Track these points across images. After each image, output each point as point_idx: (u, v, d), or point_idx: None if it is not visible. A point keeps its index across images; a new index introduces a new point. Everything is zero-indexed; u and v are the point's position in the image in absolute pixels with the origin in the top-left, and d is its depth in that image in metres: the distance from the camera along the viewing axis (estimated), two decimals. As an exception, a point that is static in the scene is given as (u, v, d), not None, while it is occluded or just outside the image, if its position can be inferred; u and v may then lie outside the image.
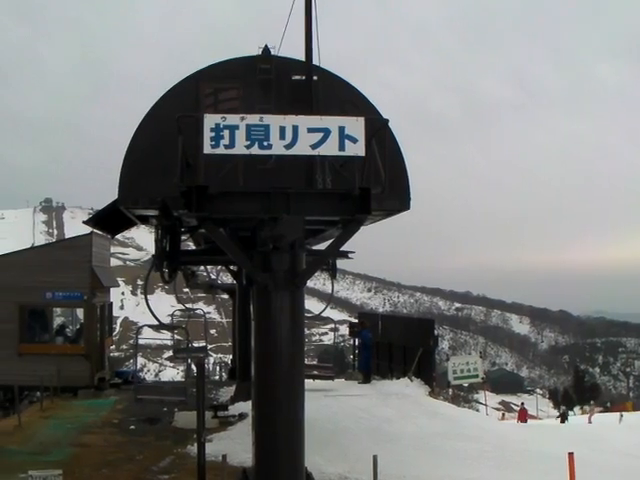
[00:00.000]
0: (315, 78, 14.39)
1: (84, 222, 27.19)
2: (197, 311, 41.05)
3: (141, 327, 27.37)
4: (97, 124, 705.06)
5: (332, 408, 22.10)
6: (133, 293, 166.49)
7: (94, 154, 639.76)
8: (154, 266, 17.55)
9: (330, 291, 45.56)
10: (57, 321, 34.97)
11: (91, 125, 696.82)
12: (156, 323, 24.81)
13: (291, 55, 15.43)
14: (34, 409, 27.66)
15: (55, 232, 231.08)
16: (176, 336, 32.24)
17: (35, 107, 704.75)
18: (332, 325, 49.94)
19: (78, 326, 34.60)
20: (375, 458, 12.74)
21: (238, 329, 29.85)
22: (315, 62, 14.42)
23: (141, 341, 28.53)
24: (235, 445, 17.32)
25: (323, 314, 37.45)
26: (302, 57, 14.50)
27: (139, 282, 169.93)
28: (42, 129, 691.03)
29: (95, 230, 29.06)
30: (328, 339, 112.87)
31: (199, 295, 69.90)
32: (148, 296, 23.91)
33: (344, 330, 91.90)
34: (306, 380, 14.09)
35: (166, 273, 17.84)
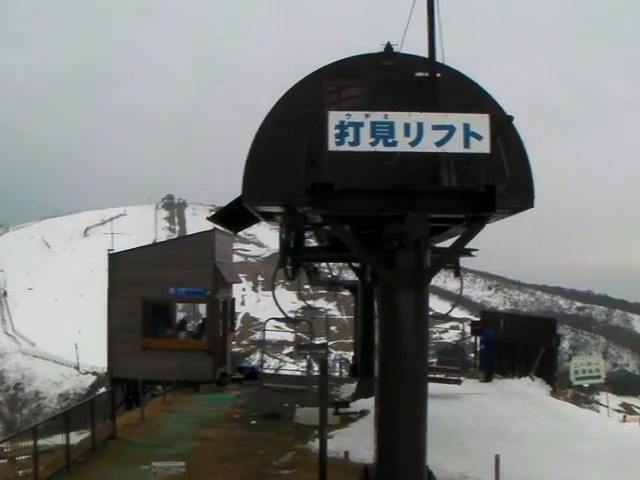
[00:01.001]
0: (438, 75, 14.46)
1: (208, 219, 27.97)
2: (320, 310, 41.65)
3: (267, 320, 27.99)
4: (218, 122, 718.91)
5: (453, 406, 22.11)
6: (254, 289, 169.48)
7: (215, 151, 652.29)
8: (280, 262, 18.03)
9: (450, 289, 45.55)
10: (179, 316, 36.03)
11: (213, 123, 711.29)
12: (280, 318, 25.42)
13: (413, 52, 15.51)
14: (157, 402, 28.55)
15: (177, 228, 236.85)
16: (298, 333, 32.83)
17: (157, 105, 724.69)
18: (452, 323, 49.83)
19: (200, 321, 35.52)
20: (497, 458, 12.79)
21: (360, 326, 30.11)
22: (438, 59, 14.51)
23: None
24: (356, 442, 17.52)
25: (444, 312, 37.46)
26: (424, 54, 14.62)
27: (260, 278, 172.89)
28: (164, 127, 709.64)
29: (218, 227, 29.82)
30: (448, 337, 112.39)
31: (320, 292, 70.93)
32: (270, 292, 24.45)
33: (464, 328, 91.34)
34: (430, 384, 14.24)
35: (290, 270, 18.27)
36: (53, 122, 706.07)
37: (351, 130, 11.44)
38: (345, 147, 11.46)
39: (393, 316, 13.17)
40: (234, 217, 21.19)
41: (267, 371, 41.60)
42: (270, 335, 36.62)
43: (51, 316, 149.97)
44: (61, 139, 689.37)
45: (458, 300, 60.53)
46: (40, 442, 16.12)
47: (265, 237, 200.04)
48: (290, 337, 42.58)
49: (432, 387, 14.38)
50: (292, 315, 35.81)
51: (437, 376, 23.77)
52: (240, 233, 42.96)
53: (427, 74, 14.51)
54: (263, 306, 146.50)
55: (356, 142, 11.44)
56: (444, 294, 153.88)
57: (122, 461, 18.60)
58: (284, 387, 26.21)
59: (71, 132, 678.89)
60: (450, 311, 38.45)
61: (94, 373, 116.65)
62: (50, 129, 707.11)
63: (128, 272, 32.86)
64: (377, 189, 12.40)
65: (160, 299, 33.36)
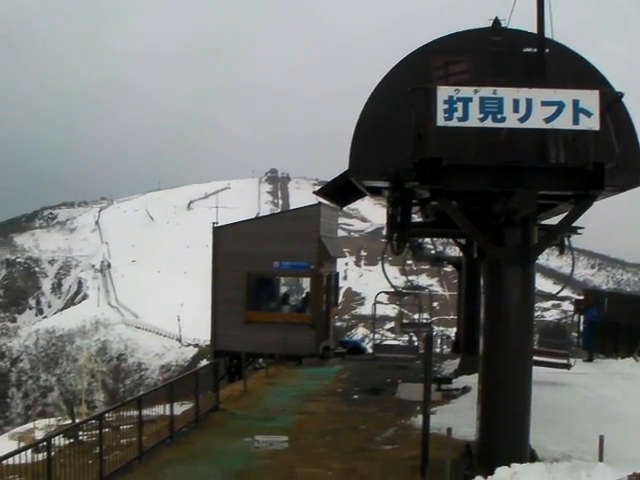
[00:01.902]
0: (547, 50, 14.41)
1: (314, 193, 28.42)
2: (425, 290, 41.77)
3: (378, 293, 28.27)
4: (323, 97, 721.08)
5: (556, 386, 21.98)
6: (357, 264, 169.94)
7: (319, 126, 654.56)
8: (387, 237, 18.34)
9: (552, 267, 44.97)
10: (282, 290, 36.59)
11: (315, 97, 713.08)
12: (390, 291, 25.72)
13: (521, 28, 15.46)
14: (259, 376, 29.13)
15: (280, 202, 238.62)
16: (403, 309, 33.07)
17: (262, 81, 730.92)
18: (554, 301, 49.14)
19: (304, 295, 36.06)
20: (601, 438, 12.80)
21: (464, 302, 30.13)
22: (546, 34, 14.45)
23: (364, 311, 29.56)
24: (458, 419, 17.61)
25: (547, 290, 37.13)
26: (533, 30, 14.58)
27: (363, 253, 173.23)
28: (269, 101, 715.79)
29: (324, 201, 30.21)
30: (549, 315, 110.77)
31: (422, 267, 70.84)
32: (373, 267, 24.78)
33: (566, 307, 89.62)
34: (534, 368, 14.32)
35: (396, 244, 18.58)
36: (155, 99, 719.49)
37: (460, 105, 11.59)
38: (454, 122, 11.62)
39: (499, 293, 13.35)
40: (340, 191, 21.47)
41: (368, 347, 41.91)
42: (385, 304, 36.73)
43: (154, 288, 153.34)
44: (164, 114, 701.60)
45: (569, 279, 59.55)
46: (142, 412, 16.74)
47: (369, 212, 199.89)
48: (391, 312, 42.79)
49: (535, 370, 14.39)
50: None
51: (544, 359, 23.58)
52: (344, 208, 43.23)
53: (535, 50, 14.47)
54: (365, 281, 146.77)
55: (465, 117, 11.59)
56: (547, 272, 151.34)
57: (225, 433, 19.13)
58: (395, 356, 26.53)
59: (175, 108, 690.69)
60: (560, 291, 38.04)
61: (196, 345, 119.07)
62: (153, 106, 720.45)
63: (233, 245, 33.48)
64: (485, 165, 12.52)
65: (264, 273, 33.93)
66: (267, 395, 24.83)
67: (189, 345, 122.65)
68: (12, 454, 12.14)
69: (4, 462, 11.94)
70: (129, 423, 17.07)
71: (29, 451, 12.68)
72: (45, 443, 12.92)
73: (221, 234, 34.48)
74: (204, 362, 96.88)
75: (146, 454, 16.30)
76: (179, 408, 20.65)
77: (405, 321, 31.66)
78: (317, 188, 36.93)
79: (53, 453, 12.77)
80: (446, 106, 11.57)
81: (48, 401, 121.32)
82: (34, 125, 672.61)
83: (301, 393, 25.19)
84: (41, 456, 12.86)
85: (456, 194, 13.31)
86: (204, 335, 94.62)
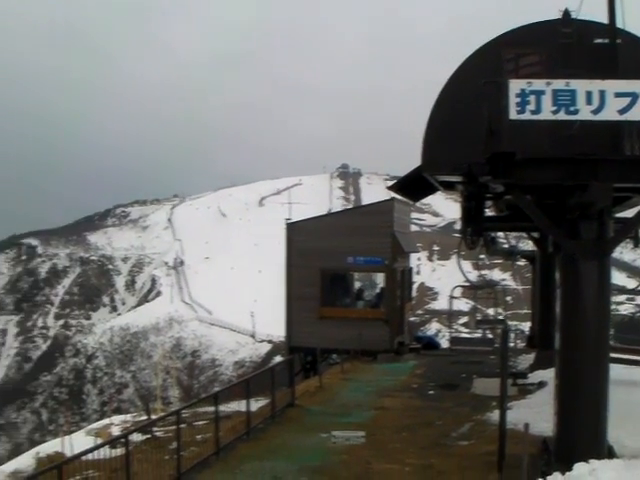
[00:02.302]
0: (618, 41, 14.29)
1: (388, 188, 28.49)
2: (499, 286, 41.58)
3: (454, 287, 28.24)
4: (393, 92, 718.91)
5: (632, 382, 21.71)
6: (429, 259, 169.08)
7: (390, 121, 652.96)
8: (461, 232, 18.41)
9: (626, 260, 44.38)
10: (355, 286, 36.73)
11: (387, 93, 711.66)
12: (466, 285, 25.78)
13: (591, 18, 15.35)
14: (335, 371, 29.28)
15: (352, 198, 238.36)
16: (478, 305, 33.00)
17: (331, 77, 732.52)
18: (628, 295, 48.41)
19: (378, 291, 36.15)
20: (683, 436, 12.75)
21: (538, 297, 29.92)
22: (618, 25, 14.32)
23: (437, 306, 29.68)
24: (534, 414, 17.53)
25: (620, 284, 36.70)
26: (603, 20, 14.47)
27: (435, 248, 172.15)
28: (339, 97, 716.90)
29: (397, 196, 30.29)
30: (624, 309, 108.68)
31: (495, 262, 70.48)
32: (446, 262, 24.84)
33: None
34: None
35: (469, 239, 18.65)
36: (227, 96, 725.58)
37: (532, 98, 11.64)
38: (526, 116, 11.67)
39: (575, 287, 13.33)
40: (413, 186, 21.54)
41: (441, 342, 41.96)
42: (446, 305, 36.85)
43: (227, 285, 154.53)
44: (236, 111, 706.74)
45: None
46: (218, 408, 17.02)
47: (441, 206, 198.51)
48: (465, 307, 42.72)
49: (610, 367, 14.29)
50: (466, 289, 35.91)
51: (619, 356, 23.19)
52: (416, 203, 43.14)
53: (607, 40, 14.38)
54: (438, 275, 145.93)
55: (537, 110, 11.63)
56: (620, 265, 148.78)
57: (301, 429, 19.32)
58: (471, 349, 26.61)
59: (246, 105, 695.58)
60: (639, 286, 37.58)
61: (269, 341, 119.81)
62: (224, 103, 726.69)
63: (306, 241, 33.72)
64: (559, 158, 12.50)
65: (338, 268, 34.12)
66: (342, 391, 25.00)
67: (263, 341, 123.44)
68: (91, 450, 12.50)
69: (82, 457, 12.36)
70: (204, 419, 17.38)
71: (106, 446, 13.03)
72: (123, 439, 13.31)
73: (294, 230, 34.73)
74: (278, 358, 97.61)
75: (223, 450, 16.53)
76: (254, 404, 20.89)
77: (479, 316, 31.63)
78: (388, 183, 37.17)
79: (130, 448, 13.15)
80: (518, 99, 11.63)
81: (123, 397, 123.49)
82: (107, 124, 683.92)
83: (376, 389, 25.33)
84: (118, 451, 13.15)
85: (530, 188, 13.34)
86: (277, 331, 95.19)
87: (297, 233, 34.49)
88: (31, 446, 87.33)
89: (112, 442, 13.56)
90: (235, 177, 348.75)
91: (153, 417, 36.27)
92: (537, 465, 13.86)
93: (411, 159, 16.34)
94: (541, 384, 22.85)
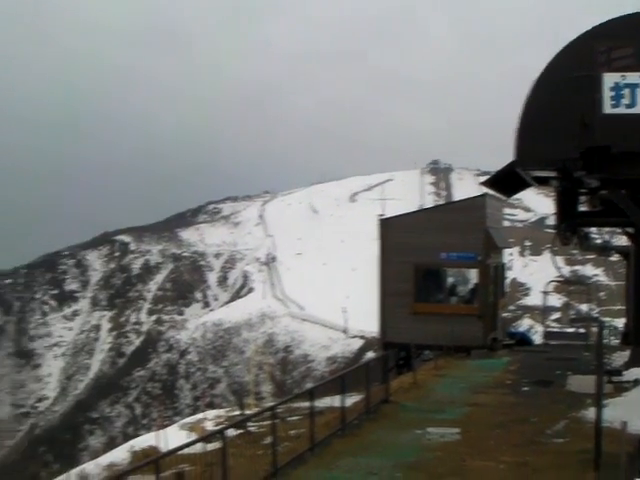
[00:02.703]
0: None
1: (481, 183, 28.48)
2: (591, 280, 41.10)
3: (549, 282, 28.01)
4: (483, 86, 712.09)
5: None
6: (521, 254, 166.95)
7: (480, 116, 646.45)
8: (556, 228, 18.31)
9: None
10: (448, 282, 36.66)
11: (477, 88, 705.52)
12: (560, 280, 25.57)
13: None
14: (428, 367, 29.32)
15: (443, 193, 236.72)
16: (571, 301, 32.70)
17: (423, 72, 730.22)
18: None
19: (471, 286, 36.07)
20: None
21: (633, 293, 29.48)
22: None
23: (529, 302, 29.53)
24: (631, 412, 17.31)
25: None
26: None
27: (527, 243, 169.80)
28: (429, 92, 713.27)
29: (490, 191, 30.19)
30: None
31: (587, 257, 69.24)
32: (538, 257, 24.63)
33: None
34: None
35: (564, 235, 18.55)
36: (317, 91, 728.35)
37: (627, 92, 11.59)
38: (621, 109, 11.64)
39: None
40: (506, 182, 21.52)
41: (534, 336, 41.65)
42: (538, 300, 36.52)
43: (319, 280, 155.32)
44: (326, 106, 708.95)
45: None
46: (309, 404, 17.23)
47: (532, 201, 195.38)
48: (557, 303, 42.23)
49: None
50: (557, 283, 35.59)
51: None
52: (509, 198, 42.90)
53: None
54: (530, 271, 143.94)
55: (632, 104, 11.59)
56: None
57: (395, 425, 19.38)
58: (566, 343, 26.44)
59: (336, 100, 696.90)
60: None
61: (361, 337, 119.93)
62: (314, 98, 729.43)
63: (399, 237, 33.82)
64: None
65: (431, 264, 34.13)
66: (436, 387, 25.04)
67: (355, 337, 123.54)
68: (188, 444, 12.72)
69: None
70: (296, 414, 17.57)
71: (192, 439, 13.30)
72: (219, 434, 13.60)
73: (387, 226, 34.86)
74: (370, 354, 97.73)
75: (318, 446, 16.70)
76: (348, 400, 21.07)
77: (571, 312, 31.35)
78: (479, 179, 37.08)
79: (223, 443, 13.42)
80: (613, 93, 11.60)
81: (215, 392, 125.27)
82: (199, 122, 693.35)
83: (470, 385, 25.31)
84: (211, 446, 13.42)
85: (625, 182, 13.25)
86: (369, 327, 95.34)
87: (390, 229, 34.61)
88: (125, 440, 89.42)
89: (209, 437, 13.84)
90: (326, 173, 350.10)
91: (247, 412, 36.83)
92: (635, 464, 13.74)
93: (503, 154, 16.31)
94: (637, 382, 22.56)
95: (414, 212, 39.80)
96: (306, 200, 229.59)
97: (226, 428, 13.91)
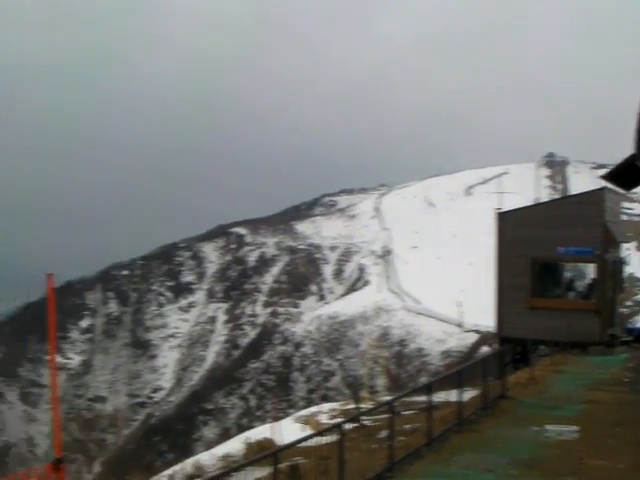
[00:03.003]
0: None
1: (600, 177, 27.83)
2: None
3: None
4: (597, 77, 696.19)
5: None
6: (638, 249, 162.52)
7: (596, 107, 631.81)
8: None
9: None
10: (565, 276, 36.02)
11: (593, 78, 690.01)
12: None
13: None
14: (545, 363, 28.92)
15: (559, 187, 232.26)
16: None
17: (536, 63, 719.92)
18: None
19: (589, 281, 35.32)
20: None
21: None
22: None
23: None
24: None
25: None
26: None
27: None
28: (543, 84, 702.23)
29: (609, 185, 29.50)
30: None
31: None
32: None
33: None
34: None
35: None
36: (430, 83, 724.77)
37: None
38: None
39: None
40: (626, 175, 21.01)
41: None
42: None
43: (434, 274, 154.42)
44: (440, 98, 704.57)
45: None
46: (424, 398, 17.18)
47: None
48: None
49: None
50: None
51: None
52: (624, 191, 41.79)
53: None
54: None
55: None
56: None
57: (513, 421, 19.28)
58: None
59: (449, 92, 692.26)
60: None
61: (476, 331, 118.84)
62: (428, 90, 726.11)
63: (516, 231, 33.44)
64: None
65: (548, 258, 33.61)
66: (553, 383, 24.75)
67: (470, 331, 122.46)
68: (307, 438, 12.87)
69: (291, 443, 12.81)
70: (411, 408, 17.56)
71: (315, 433, 13.41)
72: (337, 428, 13.66)
73: (504, 219, 34.47)
74: (485, 348, 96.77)
75: (435, 441, 16.71)
76: (462, 394, 21.02)
77: None
78: (596, 172, 36.24)
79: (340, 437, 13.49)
80: None
81: (330, 385, 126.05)
82: (314, 114, 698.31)
83: (587, 382, 24.92)
84: (325, 439, 13.47)
85: None
86: (484, 321, 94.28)
87: (507, 223, 34.22)
88: (239, 431, 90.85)
89: (328, 430, 13.92)
90: (441, 166, 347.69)
91: (361, 406, 36.96)
92: None
93: (622, 146, 15.89)
94: None
95: (531, 206, 39.20)
96: (421, 193, 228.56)
97: (344, 422, 13.98)
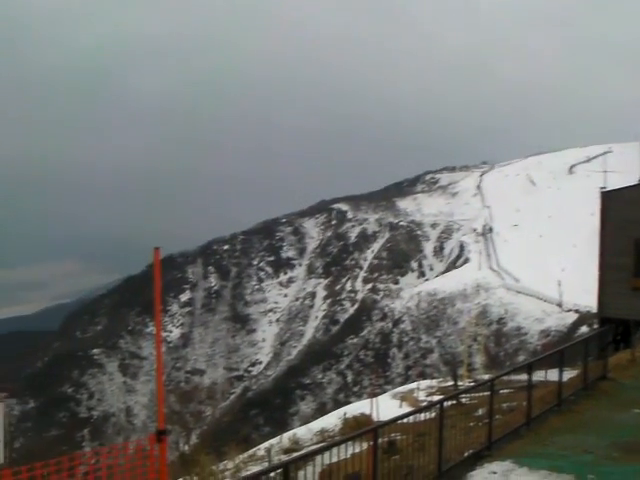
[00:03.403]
0: None
1: None
2: None
3: None
4: None
5: None
6: None
7: None
8: None
9: None
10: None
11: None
12: None
13: None
14: (647, 345, 28.22)
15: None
16: None
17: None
18: None
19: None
20: None
21: None
22: None
23: None
24: None
25: None
26: None
27: None
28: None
29: None
30: None
31: None
32: None
33: None
34: None
35: None
36: (527, 59, 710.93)
37: None
38: None
39: None
40: None
41: None
42: None
43: (534, 253, 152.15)
44: (543, 75, 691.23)
45: None
46: (522, 377, 16.85)
47: None
48: None
49: None
50: None
51: None
52: None
53: None
54: None
55: None
56: None
57: (614, 403, 18.84)
58: None
59: (554, 68, 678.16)
60: None
61: (576, 311, 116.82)
62: (530, 66, 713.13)
63: (621, 210, 32.50)
64: None
65: (651, 238, 32.69)
66: (655, 365, 23.98)
67: (569, 310, 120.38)
68: (406, 415, 12.78)
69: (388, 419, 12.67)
70: (508, 387, 17.30)
71: (412, 410, 13.28)
72: (438, 405, 13.51)
73: (609, 199, 33.54)
74: (584, 328, 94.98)
75: (534, 421, 16.41)
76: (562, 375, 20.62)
77: None
78: None
79: (436, 414, 13.32)
80: None
81: (427, 362, 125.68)
82: (415, 91, 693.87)
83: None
84: (422, 416, 13.34)
85: None
86: (584, 301, 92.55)
87: (612, 202, 33.29)
88: (335, 406, 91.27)
89: (428, 408, 13.79)
90: (544, 145, 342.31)
91: (459, 383, 36.68)
92: None
93: None
94: None
95: (637, 185, 37.94)
96: (523, 172, 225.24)
97: (445, 399, 13.84)
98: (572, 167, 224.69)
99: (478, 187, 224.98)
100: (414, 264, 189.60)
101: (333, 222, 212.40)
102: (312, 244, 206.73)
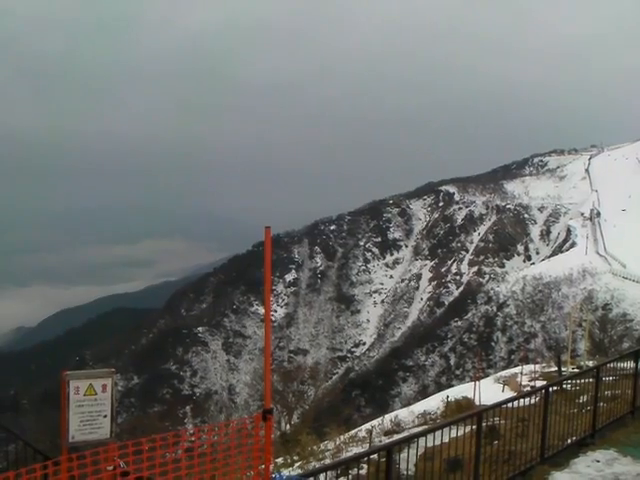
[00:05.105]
0: None
1: None
2: None
3: None
4: None
5: None
6: None
7: None
8: None
9: None
10: None
11: None
12: None
13: None
14: None
15: None
16: None
17: None
18: None
19: None
20: None
21: None
22: None
23: None
24: None
25: None
26: None
27: None
28: None
29: None
30: None
31: None
32: None
33: None
34: None
35: None
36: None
37: None
38: None
39: None
40: None
41: None
42: None
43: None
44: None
45: None
46: (628, 365, 16.50)
47: None
48: None
49: None
50: None
51: None
52: None
53: None
54: None
55: None
56: None
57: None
58: None
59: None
60: None
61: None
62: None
63: None
64: None
65: None
66: None
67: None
68: (511, 400, 12.84)
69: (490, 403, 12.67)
70: (611, 375, 17.00)
71: (514, 395, 13.24)
72: (543, 391, 13.46)
73: None
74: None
75: (639, 410, 16.17)
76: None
77: None
78: None
79: (538, 400, 13.27)
80: None
81: (530, 347, 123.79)
82: (528, 75, 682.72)
83: None
84: (524, 401, 13.30)
85: None
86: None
87: None
88: (437, 389, 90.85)
89: (533, 393, 13.76)
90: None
91: (563, 369, 36.17)
92: None
93: None
94: None
95: None
96: (633, 155, 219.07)
97: (550, 385, 13.77)
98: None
99: (586, 171, 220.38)
100: (520, 247, 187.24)
101: (440, 204, 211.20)
102: (419, 226, 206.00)
